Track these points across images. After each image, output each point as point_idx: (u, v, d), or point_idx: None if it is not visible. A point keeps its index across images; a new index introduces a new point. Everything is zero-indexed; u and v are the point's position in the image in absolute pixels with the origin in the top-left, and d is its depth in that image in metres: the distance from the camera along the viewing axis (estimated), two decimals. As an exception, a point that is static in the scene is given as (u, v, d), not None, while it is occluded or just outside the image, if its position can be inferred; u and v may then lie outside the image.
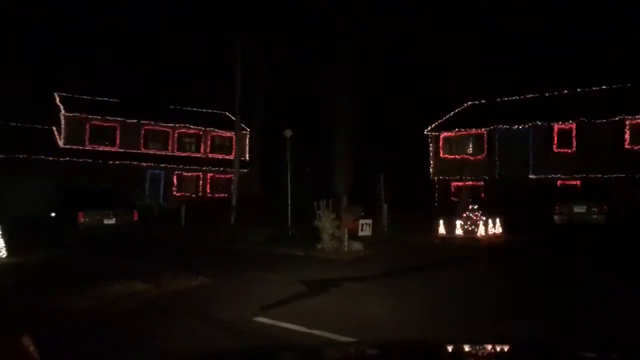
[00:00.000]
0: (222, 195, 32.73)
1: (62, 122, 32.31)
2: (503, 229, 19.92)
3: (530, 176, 28.35)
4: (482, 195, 28.04)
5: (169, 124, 35.62)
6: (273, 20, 27.09)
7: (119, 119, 33.64)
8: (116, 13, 36.04)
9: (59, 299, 8.50)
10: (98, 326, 7.44)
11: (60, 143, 32.02)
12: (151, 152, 34.73)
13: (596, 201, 20.77)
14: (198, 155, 36.66)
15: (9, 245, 13.01)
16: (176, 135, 36.24)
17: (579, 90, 29.64)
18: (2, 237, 12.97)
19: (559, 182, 27.15)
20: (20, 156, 29.12)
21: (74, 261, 12.87)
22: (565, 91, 29.90)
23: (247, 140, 35.82)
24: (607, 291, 9.29)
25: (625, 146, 25.89)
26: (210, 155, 36.93)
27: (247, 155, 35.17)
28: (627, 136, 25.99)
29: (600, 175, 25.52)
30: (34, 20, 35.94)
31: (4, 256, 12.77)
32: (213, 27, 29.00)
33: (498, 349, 2.88)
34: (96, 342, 6.62)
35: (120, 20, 35.44)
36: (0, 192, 24.35)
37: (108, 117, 33.31)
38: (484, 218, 19.60)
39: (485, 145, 30.86)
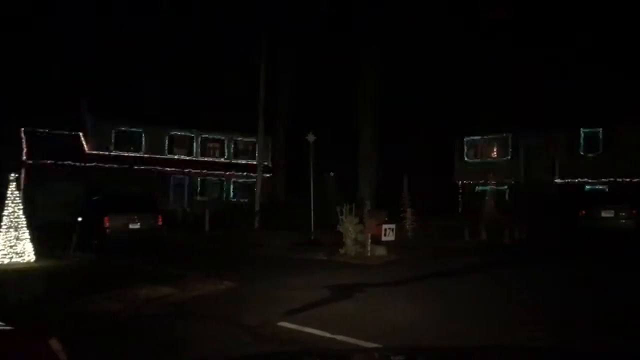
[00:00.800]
0: (246, 200, 32.88)
1: (89, 127, 32.80)
2: (529, 234, 19.64)
3: (556, 180, 27.95)
4: (507, 200, 27.72)
5: (193, 129, 35.91)
6: (299, 24, 27.16)
7: (145, 124, 34.02)
8: (139, 17, 36.43)
9: (86, 302, 8.59)
10: (125, 330, 7.51)
11: (87, 149, 32.47)
12: (175, 157, 35.07)
13: (624, 206, 20.30)
14: (222, 160, 36.88)
15: (37, 250, 13.24)
16: (200, 140, 36.52)
17: (606, 93, 29.12)
18: (32, 241, 13.21)
19: (585, 187, 26.68)
20: (48, 162, 29.60)
21: (101, 265, 13.04)
22: (593, 94, 29.40)
23: (271, 145, 35.89)
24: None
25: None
26: (234, 160, 37.13)
27: (271, 160, 35.25)
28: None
29: (628, 180, 25.01)
30: (60, 26, 36.49)
31: (32, 260, 13.00)
32: (239, 32, 29.16)
33: (524, 356, 2.83)
34: (123, 346, 6.68)
35: (143, 24, 35.75)
36: (29, 197, 24.76)
37: (133, 123, 33.71)
38: (509, 223, 19.35)
39: (510, 149, 30.54)
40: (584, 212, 20.54)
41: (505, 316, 7.82)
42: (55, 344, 2.20)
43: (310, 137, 19.41)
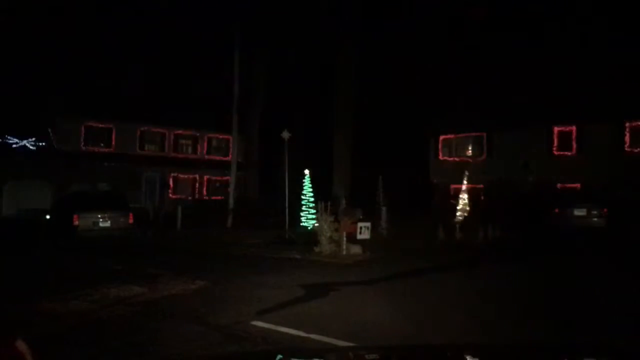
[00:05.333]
0: (219, 197, 32.61)
1: (58, 124, 32.13)
2: (502, 232, 19.83)
3: (530, 179, 28.29)
4: (481, 198, 27.95)
5: (165, 126, 35.48)
6: (272, 20, 27.01)
7: (115, 120, 33.49)
8: (111, 11, 35.89)
9: (54, 302, 8.40)
10: (94, 330, 7.33)
11: (55, 145, 31.83)
12: (147, 154, 34.59)
13: (596, 204, 20.65)
14: (195, 157, 36.53)
15: (3, 248, 12.91)
16: (172, 136, 36.11)
17: (579, 92, 29.55)
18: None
19: (558, 185, 27.04)
20: (15, 158, 28.96)
21: (69, 264, 12.77)
22: (566, 93, 29.80)
23: (245, 142, 35.61)
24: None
25: (625, 149, 25.88)
26: (207, 157, 36.80)
27: (245, 157, 35.02)
28: (627, 139, 26.00)
29: (600, 178, 25.43)
30: (29, 20, 35.75)
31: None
32: (211, 28, 28.89)
33: (497, 352, 2.82)
34: (93, 346, 6.52)
35: (116, 18, 35.24)
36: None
37: (103, 119, 33.15)
38: (483, 221, 19.51)
39: (485, 148, 30.83)
40: (557, 210, 20.81)
41: (477, 313, 7.84)
42: (21, 345, 2.10)
43: (285, 135, 19.28)
